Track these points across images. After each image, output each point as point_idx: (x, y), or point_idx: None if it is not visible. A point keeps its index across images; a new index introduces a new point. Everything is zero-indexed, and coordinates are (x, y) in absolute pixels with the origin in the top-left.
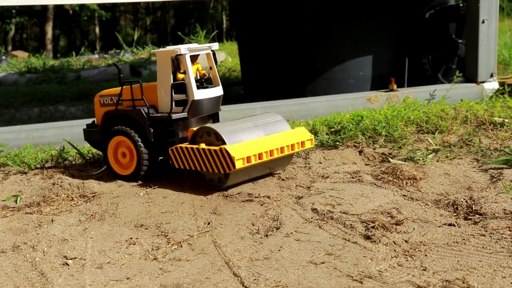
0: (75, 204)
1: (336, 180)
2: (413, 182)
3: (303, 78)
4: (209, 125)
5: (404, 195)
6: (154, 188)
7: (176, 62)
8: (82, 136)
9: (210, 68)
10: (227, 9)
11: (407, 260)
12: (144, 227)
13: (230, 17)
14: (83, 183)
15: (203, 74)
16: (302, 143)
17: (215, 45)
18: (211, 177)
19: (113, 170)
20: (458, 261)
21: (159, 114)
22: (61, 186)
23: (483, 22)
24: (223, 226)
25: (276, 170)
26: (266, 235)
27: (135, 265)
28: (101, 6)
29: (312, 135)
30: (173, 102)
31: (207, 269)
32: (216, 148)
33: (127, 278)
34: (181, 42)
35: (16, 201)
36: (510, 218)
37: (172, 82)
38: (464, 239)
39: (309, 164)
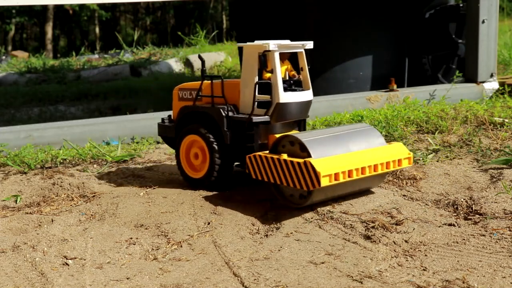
0: (75, 204)
1: None
2: (413, 182)
3: None
4: (293, 133)
5: (404, 195)
6: (154, 188)
7: (264, 59)
8: (82, 136)
9: (301, 69)
10: (227, 9)
11: (407, 260)
12: (144, 227)
13: (230, 17)
14: (83, 183)
15: (293, 75)
16: (399, 161)
17: (310, 44)
18: (291, 192)
19: (183, 171)
20: (458, 261)
21: (239, 115)
22: (61, 186)
23: (483, 22)
24: (223, 226)
25: (367, 188)
26: (266, 235)
27: (135, 265)
28: (101, 6)
29: (411, 153)
30: (256, 103)
31: (207, 269)
32: (300, 160)
33: (127, 278)
34: (181, 42)
35: (16, 201)
36: (510, 218)
37: (256, 80)
38: (464, 239)
39: None
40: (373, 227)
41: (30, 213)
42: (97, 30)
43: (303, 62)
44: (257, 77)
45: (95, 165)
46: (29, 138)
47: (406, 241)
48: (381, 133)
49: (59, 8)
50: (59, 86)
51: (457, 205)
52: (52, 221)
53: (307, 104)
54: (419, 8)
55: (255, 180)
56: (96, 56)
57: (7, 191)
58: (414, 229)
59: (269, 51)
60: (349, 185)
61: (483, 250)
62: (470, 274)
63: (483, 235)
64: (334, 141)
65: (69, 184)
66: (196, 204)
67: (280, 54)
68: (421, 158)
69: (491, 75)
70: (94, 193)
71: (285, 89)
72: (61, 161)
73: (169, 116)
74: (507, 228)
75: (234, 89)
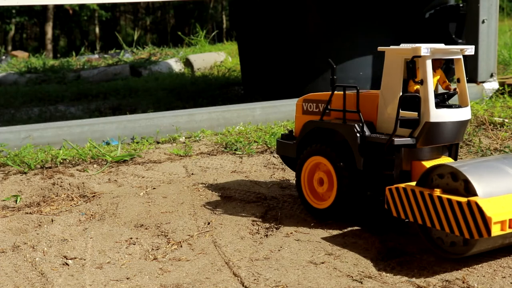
0: (75, 204)
1: None
2: None
3: (303, 78)
4: (450, 162)
5: None
6: (154, 188)
7: (412, 67)
8: (82, 136)
9: (458, 80)
10: (227, 9)
11: (407, 260)
12: (144, 227)
13: (230, 17)
14: (83, 183)
15: (447, 87)
16: None
17: (470, 49)
18: (441, 236)
19: (305, 200)
20: (458, 261)
21: (376, 135)
22: (61, 186)
23: (483, 22)
24: (223, 226)
25: None
26: (266, 235)
27: (135, 265)
28: (101, 6)
29: None
30: (399, 121)
31: (207, 269)
32: (462, 200)
33: (127, 278)
34: (181, 42)
35: (16, 201)
36: None
37: (401, 93)
38: None
39: None
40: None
41: (30, 213)
42: (97, 30)
43: (461, 71)
44: (402, 89)
45: (95, 165)
46: (29, 138)
47: (406, 241)
48: None
49: (59, 8)
50: (59, 86)
51: None
52: (52, 221)
53: (465, 124)
54: (419, 8)
55: (397, 219)
56: (96, 56)
57: (7, 191)
58: (414, 228)
59: (420, 57)
60: None
61: None
62: (470, 274)
63: None
64: (506, 174)
65: (69, 184)
66: (196, 204)
67: (433, 61)
68: None
69: (491, 75)
70: (94, 193)
71: (437, 105)
72: (61, 161)
73: (290, 131)
74: None
75: (371, 103)
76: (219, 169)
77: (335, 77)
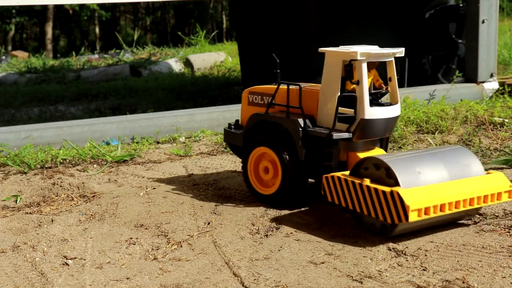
0: (75, 204)
1: None
2: None
3: (303, 78)
4: (378, 155)
5: None
6: (154, 188)
7: (350, 69)
8: (82, 136)
9: (390, 79)
10: (227, 9)
11: (407, 260)
12: (144, 227)
13: (230, 17)
14: (83, 183)
15: (380, 85)
16: (498, 195)
17: (401, 51)
18: (372, 222)
19: (251, 186)
20: (458, 261)
21: (317, 129)
22: (61, 186)
23: (483, 22)
24: (223, 226)
25: (457, 221)
26: (266, 235)
27: (135, 265)
28: (101, 6)
29: None
30: (337, 117)
31: (207, 269)
32: (386, 189)
33: (127, 278)
34: (181, 42)
35: (16, 201)
36: (510, 218)
37: (339, 92)
38: (464, 239)
39: None
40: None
41: (30, 213)
42: (97, 30)
43: (393, 72)
44: (340, 88)
45: (95, 165)
46: (29, 138)
47: (406, 241)
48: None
49: (59, 8)
50: (59, 86)
51: None
52: (52, 221)
53: (394, 120)
54: (419, 8)
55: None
56: (96, 56)
57: (7, 191)
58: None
59: (356, 60)
60: (440, 218)
61: (483, 250)
62: (470, 274)
63: (483, 236)
64: (425, 166)
65: (69, 184)
66: (196, 204)
67: (368, 62)
68: None
69: (491, 75)
70: (94, 193)
71: (371, 103)
72: (61, 161)
73: (237, 120)
74: (507, 228)
75: (312, 99)
76: (219, 169)
77: (278, 70)
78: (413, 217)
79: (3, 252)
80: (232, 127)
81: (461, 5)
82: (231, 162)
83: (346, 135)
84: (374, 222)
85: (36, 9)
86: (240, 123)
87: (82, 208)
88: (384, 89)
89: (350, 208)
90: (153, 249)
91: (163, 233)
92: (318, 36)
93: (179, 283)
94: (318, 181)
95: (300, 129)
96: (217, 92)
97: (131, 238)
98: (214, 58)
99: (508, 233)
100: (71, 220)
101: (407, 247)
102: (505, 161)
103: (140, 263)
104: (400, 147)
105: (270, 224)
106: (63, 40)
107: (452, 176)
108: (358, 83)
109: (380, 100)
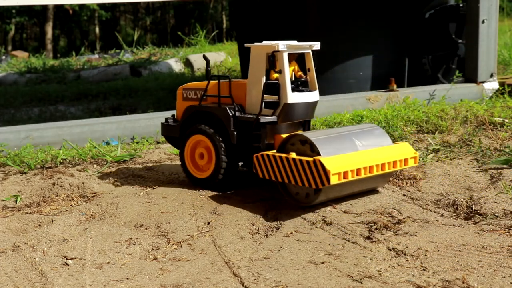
0: (75, 204)
1: None
2: (413, 182)
3: None
4: (302, 132)
5: (404, 195)
6: (154, 188)
7: (272, 60)
8: (82, 136)
9: (308, 70)
10: (227, 9)
11: (407, 260)
12: (144, 227)
13: (230, 17)
14: (83, 183)
15: (300, 75)
16: (405, 160)
17: (317, 45)
18: (297, 191)
19: (188, 172)
20: (458, 261)
21: (246, 115)
22: (61, 186)
23: (483, 22)
24: (223, 226)
25: (372, 188)
26: (266, 235)
27: (135, 265)
28: (101, 6)
29: (417, 153)
30: (263, 103)
31: (207, 269)
32: (309, 159)
33: (127, 278)
34: (181, 42)
35: (16, 201)
36: (510, 218)
37: (264, 81)
38: (464, 239)
39: None
40: (373, 227)
41: (30, 213)
42: (97, 30)
43: (310, 63)
44: (265, 78)
45: (95, 165)
46: (29, 138)
47: (406, 241)
48: None
49: (59, 8)
50: (59, 86)
51: (457, 205)
52: (52, 221)
53: (314, 104)
54: (419, 8)
55: (259, 180)
56: (96, 56)
57: (7, 191)
58: (414, 229)
59: (278, 51)
60: (355, 185)
61: (483, 250)
62: (470, 274)
63: (483, 235)
64: (343, 140)
65: (69, 184)
66: (196, 204)
67: (288, 54)
68: (421, 158)
69: (491, 75)
70: (94, 193)
71: (293, 90)
72: (61, 161)
73: (173, 115)
74: (507, 228)
75: (241, 90)
76: None
77: (209, 69)
78: (334, 180)
79: (3, 252)
80: (169, 121)
81: (461, 5)
82: None
83: (272, 118)
84: (300, 192)
85: (36, 9)
86: (176, 117)
87: (82, 208)
88: (303, 78)
89: (279, 180)
90: (153, 249)
91: (163, 233)
92: (318, 36)
93: (179, 283)
94: (249, 164)
95: (231, 115)
96: None
97: (131, 238)
98: (214, 58)
99: (508, 233)
100: (71, 220)
101: (407, 247)
102: (505, 161)
103: (140, 263)
104: None
105: (270, 224)
106: (63, 40)
107: (366, 147)
108: (280, 72)
109: (300, 87)
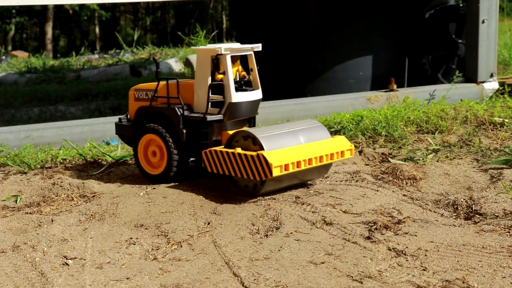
0: (75, 204)
1: (336, 180)
2: (413, 182)
3: (303, 78)
4: (246, 129)
5: (404, 195)
6: (154, 188)
7: (216, 62)
8: (82, 136)
9: (251, 70)
10: (227, 9)
11: (407, 260)
12: (144, 227)
13: (230, 17)
14: (83, 183)
15: (243, 76)
16: (342, 152)
17: (258, 46)
18: (246, 183)
19: (142, 169)
20: (458, 261)
21: (194, 114)
22: (61, 186)
23: (483, 22)
24: (223, 226)
25: (312, 179)
26: (266, 235)
27: (135, 265)
28: (101, 6)
29: (352, 145)
30: (210, 103)
31: (207, 269)
32: (253, 153)
33: (127, 278)
34: (181, 42)
35: (16, 201)
36: (510, 218)
37: (210, 82)
38: (464, 239)
39: None
40: (373, 227)
41: (30, 213)
42: (97, 30)
43: (253, 63)
44: (210, 79)
45: (95, 165)
46: (29, 138)
47: (406, 241)
48: (380, 133)
49: (59, 8)
50: (59, 86)
51: (457, 205)
52: (52, 221)
53: (257, 102)
54: (419, 8)
55: (210, 173)
56: (96, 56)
57: (7, 191)
58: (414, 229)
59: (221, 54)
60: (297, 176)
61: (483, 250)
62: (470, 274)
63: (483, 235)
64: (284, 135)
65: (69, 184)
66: (196, 204)
67: (231, 56)
68: (421, 158)
69: (491, 75)
70: (94, 193)
71: (237, 89)
72: (61, 161)
73: (126, 115)
74: (507, 228)
75: (188, 90)
76: None
77: (159, 70)
78: (276, 172)
79: (3, 252)
80: (122, 121)
81: (461, 5)
82: None
83: (218, 117)
84: (248, 184)
85: (36, 9)
86: (128, 117)
87: (82, 208)
88: (246, 78)
89: (226, 174)
90: (153, 249)
91: (163, 233)
92: (318, 36)
93: (179, 283)
94: (198, 159)
95: (180, 115)
96: None
97: (131, 238)
98: None
99: (508, 233)
100: (71, 220)
101: (407, 247)
102: (505, 161)
103: (140, 263)
104: (400, 147)
105: (270, 224)
106: (63, 40)
107: (306, 141)
108: (224, 73)
109: (243, 87)
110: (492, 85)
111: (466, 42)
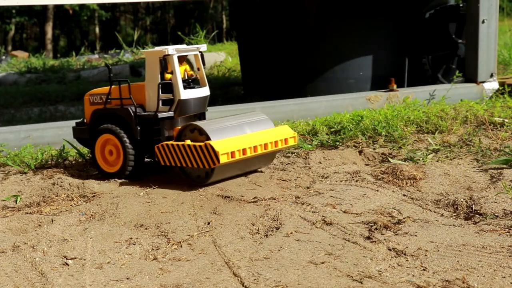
0: (75, 204)
1: (336, 180)
2: (413, 182)
3: (303, 78)
4: (193, 122)
5: (404, 195)
6: (154, 188)
7: (164, 62)
8: None
9: (198, 69)
10: (227, 9)
11: (407, 260)
12: (144, 227)
13: (230, 17)
14: (83, 183)
15: (191, 74)
16: (285, 140)
17: (203, 47)
18: (198, 174)
19: (100, 168)
20: (458, 261)
21: (146, 113)
22: (61, 186)
23: (483, 22)
24: (223, 226)
25: (260, 167)
26: (266, 235)
27: (135, 265)
28: (101, 6)
29: (296, 133)
30: (160, 101)
31: (207, 269)
32: (201, 143)
33: (127, 278)
34: (181, 42)
35: (16, 201)
36: (510, 218)
37: (159, 81)
38: (464, 239)
39: (309, 164)
40: (373, 227)
41: (30, 213)
42: (97, 30)
43: (199, 62)
44: (159, 79)
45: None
46: (29, 138)
47: (406, 241)
48: (380, 133)
49: (59, 8)
50: (59, 86)
51: (457, 205)
52: (52, 221)
53: (205, 99)
54: (419, 8)
55: (165, 168)
56: (96, 56)
57: (7, 191)
58: (414, 229)
59: (169, 55)
60: (245, 164)
61: (483, 250)
62: (470, 274)
63: (483, 235)
64: (230, 126)
65: (69, 184)
66: (196, 204)
67: (179, 57)
68: (421, 158)
69: (491, 75)
70: (94, 193)
71: (185, 87)
72: (61, 161)
73: (83, 119)
74: (507, 228)
75: (140, 91)
76: None
77: (111, 75)
78: (223, 159)
79: (3, 252)
80: (79, 124)
81: (461, 5)
82: None
83: (168, 114)
84: (200, 174)
85: (36, 9)
86: (85, 121)
87: (82, 208)
88: (193, 76)
89: (178, 165)
90: (153, 249)
91: (163, 233)
92: (318, 36)
93: (179, 283)
94: (153, 155)
95: (133, 114)
96: (217, 92)
97: (131, 238)
98: (214, 58)
99: (508, 233)
100: (71, 220)
101: (407, 247)
102: (505, 161)
103: (140, 263)
104: (400, 147)
105: (270, 224)
106: (63, 40)
107: (251, 131)
108: (172, 73)
109: (191, 85)
110: (492, 85)
111: (466, 42)
